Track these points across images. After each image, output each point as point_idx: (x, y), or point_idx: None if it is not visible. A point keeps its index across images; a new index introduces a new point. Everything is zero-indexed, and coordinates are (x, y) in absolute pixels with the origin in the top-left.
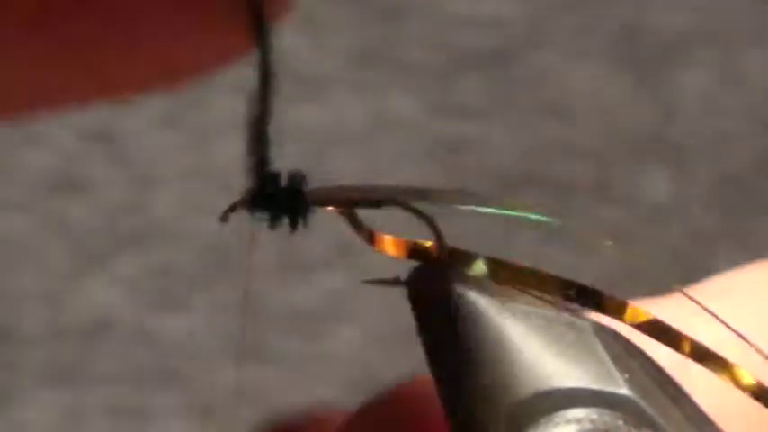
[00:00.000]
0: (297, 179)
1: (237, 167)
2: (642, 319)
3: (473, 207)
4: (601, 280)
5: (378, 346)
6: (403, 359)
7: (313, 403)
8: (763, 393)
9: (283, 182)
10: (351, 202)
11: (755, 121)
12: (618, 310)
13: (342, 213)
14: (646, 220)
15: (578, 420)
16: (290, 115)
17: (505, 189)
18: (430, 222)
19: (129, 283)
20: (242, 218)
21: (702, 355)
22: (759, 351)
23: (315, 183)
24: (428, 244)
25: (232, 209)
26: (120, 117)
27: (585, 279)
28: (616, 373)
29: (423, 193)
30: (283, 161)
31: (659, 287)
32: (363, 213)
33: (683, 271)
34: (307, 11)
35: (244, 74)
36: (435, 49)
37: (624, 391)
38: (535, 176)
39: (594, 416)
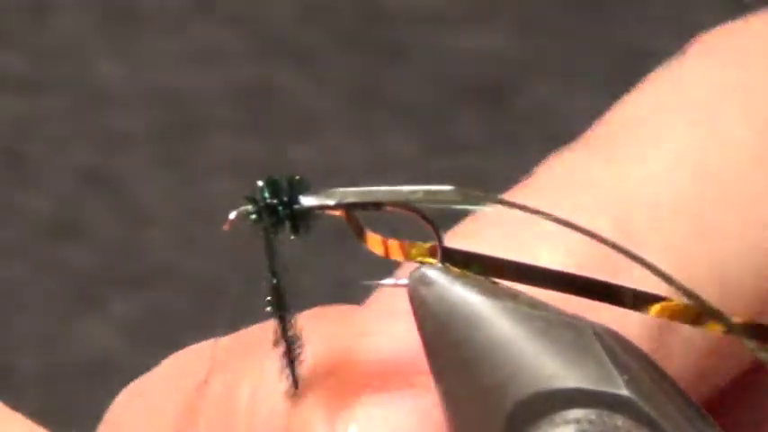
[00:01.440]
0: (297, 185)
1: (236, 207)
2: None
3: (472, 206)
4: None
5: None
6: None
7: None
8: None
9: (283, 189)
10: (350, 204)
11: None
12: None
13: (342, 216)
14: None
15: (577, 421)
16: (287, 154)
17: None
18: (430, 223)
19: (126, 323)
20: (240, 256)
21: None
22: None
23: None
24: (428, 245)
25: (237, 216)
26: (115, 157)
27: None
28: (615, 374)
29: (420, 194)
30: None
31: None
32: (363, 214)
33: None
34: (306, 50)
35: (240, 113)
36: (434, 86)
37: (624, 392)
38: None
39: (594, 417)
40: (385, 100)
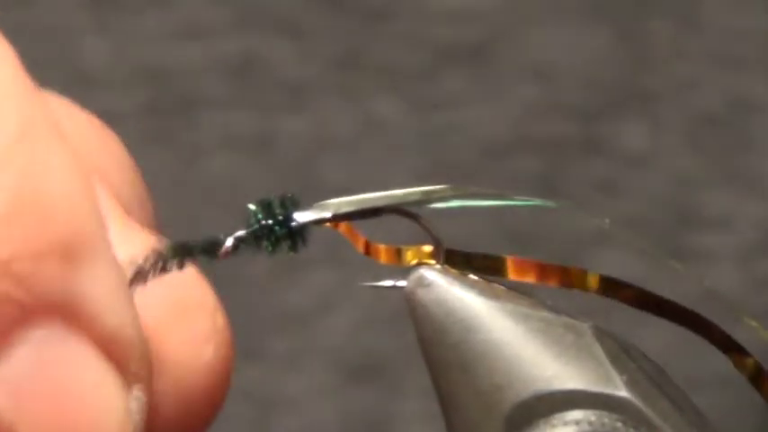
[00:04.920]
0: (289, 203)
1: (225, 183)
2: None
3: (468, 202)
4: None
5: (370, 329)
6: (397, 338)
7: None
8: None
9: (275, 208)
10: (347, 214)
11: (719, 63)
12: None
13: (338, 227)
14: (633, 169)
15: (577, 422)
16: (276, 125)
17: (496, 157)
18: (427, 226)
19: None
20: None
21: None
22: None
23: (307, 192)
24: (425, 247)
25: (235, 248)
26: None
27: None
28: (615, 375)
29: (416, 195)
30: (275, 172)
31: (661, 231)
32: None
33: (673, 215)
34: (288, 18)
35: (227, 86)
36: (419, 46)
37: (623, 392)
38: (523, 140)
39: (593, 417)
40: (371, 63)
